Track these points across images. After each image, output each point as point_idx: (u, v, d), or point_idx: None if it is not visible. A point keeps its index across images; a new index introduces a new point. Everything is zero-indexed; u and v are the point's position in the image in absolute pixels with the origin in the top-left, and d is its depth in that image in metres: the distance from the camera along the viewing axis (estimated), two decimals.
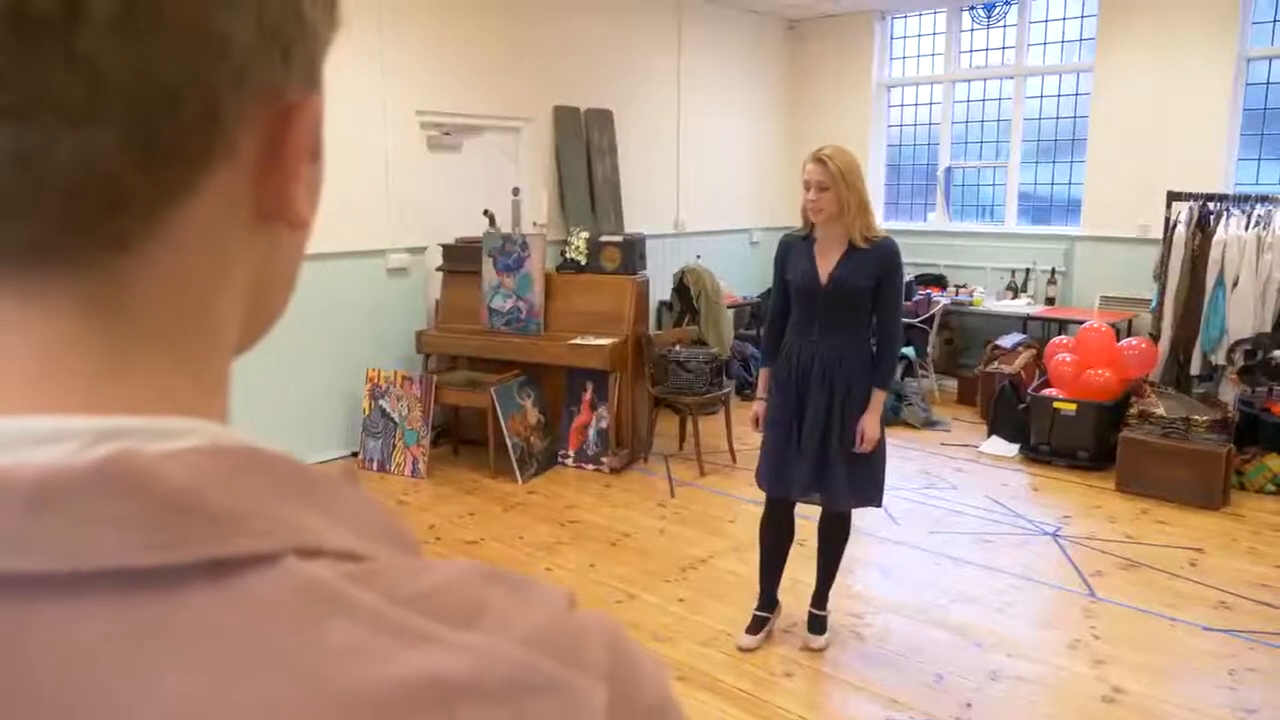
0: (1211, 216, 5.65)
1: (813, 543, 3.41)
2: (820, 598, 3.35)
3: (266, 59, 0.34)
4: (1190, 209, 5.70)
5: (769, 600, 3.38)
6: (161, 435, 0.33)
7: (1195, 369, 5.68)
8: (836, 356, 3.09)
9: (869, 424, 3.08)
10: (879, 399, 3.10)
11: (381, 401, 5.25)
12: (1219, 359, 5.57)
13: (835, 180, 2.99)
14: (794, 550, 3.41)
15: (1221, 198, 5.71)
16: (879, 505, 3.28)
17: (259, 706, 0.30)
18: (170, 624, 0.31)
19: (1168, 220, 5.81)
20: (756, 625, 3.34)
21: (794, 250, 3.18)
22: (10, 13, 0.28)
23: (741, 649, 3.28)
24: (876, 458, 3.16)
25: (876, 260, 3.04)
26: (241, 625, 0.31)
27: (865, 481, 3.17)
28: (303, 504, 0.35)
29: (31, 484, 0.30)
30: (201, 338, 0.37)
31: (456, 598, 0.35)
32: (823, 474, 3.14)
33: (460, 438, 5.58)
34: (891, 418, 6.19)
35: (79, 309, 0.34)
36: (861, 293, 3.05)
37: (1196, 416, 4.93)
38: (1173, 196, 5.85)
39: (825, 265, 3.09)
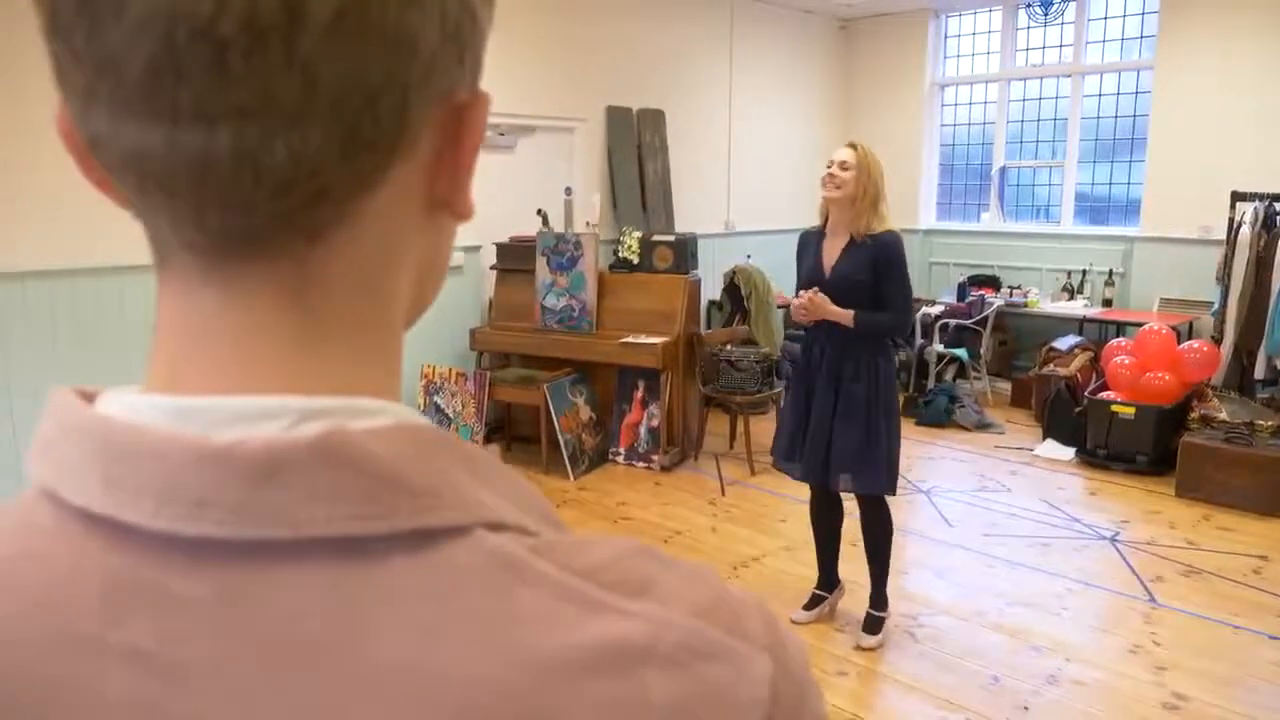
0: (1278, 217, 5.51)
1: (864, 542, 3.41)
2: (876, 597, 3.35)
3: (446, 59, 0.37)
4: (1255, 209, 5.57)
5: (827, 580, 3.48)
6: (359, 414, 0.36)
7: (1259, 373, 5.54)
8: (842, 353, 3.15)
9: (829, 309, 3.09)
10: (850, 315, 3.09)
11: (436, 398, 5.34)
12: None
13: (861, 166, 3.08)
14: (848, 551, 3.42)
15: None
16: (891, 493, 3.24)
17: (460, 665, 0.33)
18: (379, 588, 0.34)
19: (1232, 221, 5.69)
20: (813, 602, 3.45)
21: (808, 244, 3.30)
22: (243, 18, 0.31)
23: (794, 621, 3.36)
24: (880, 446, 3.14)
25: (875, 252, 3.10)
26: (442, 591, 0.34)
27: (868, 466, 3.14)
28: (480, 481, 0.38)
29: (259, 458, 0.34)
30: (379, 321, 0.40)
31: (626, 571, 0.37)
32: (828, 464, 3.19)
33: (513, 434, 5.65)
34: (944, 419, 6.14)
35: (276, 295, 0.37)
36: (861, 285, 3.10)
37: (1261, 421, 4.82)
38: (1237, 197, 5.72)
39: (830, 257, 3.18)
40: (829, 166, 3.13)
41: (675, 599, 0.37)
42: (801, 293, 3.18)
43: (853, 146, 3.14)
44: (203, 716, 0.35)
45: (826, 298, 3.13)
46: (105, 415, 0.37)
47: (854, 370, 3.15)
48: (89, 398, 0.39)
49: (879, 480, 3.19)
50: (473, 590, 0.35)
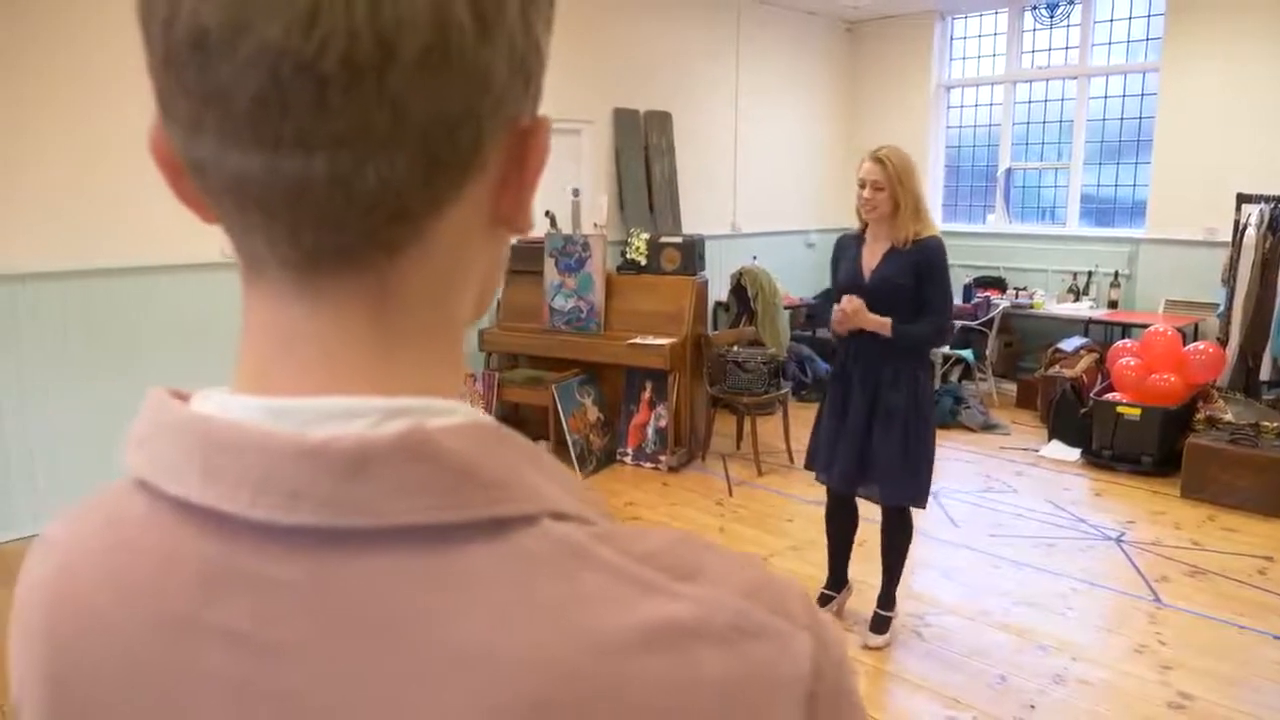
0: None
1: (873, 542, 3.43)
2: (885, 598, 3.37)
3: (514, 90, 0.40)
4: (1261, 211, 5.59)
5: (837, 580, 3.48)
6: (434, 413, 0.39)
7: (1265, 375, 5.56)
8: (878, 358, 3.11)
9: (868, 317, 3.05)
10: (887, 324, 3.04)
11: None
12: None
13: (892, 181, 3.01)
14: (857, 551, 3.44)
15: None
16: (922, 506, 3.23)
17: (531, 647, 0.36)
18: (456, 574, 0.37)
19: (1237, 223, 5.71)
20: (821, 601, 3.44)
21: (846, 249, 3.24)
22: (342, 57, 0.34)
23: None
24: (917, 458, 3.14)
25: (917, 258, 3.04)
26: (514, 575, 0.37)
27: (904, 478, 3.14)
28: (542, 474, 0.41)
29: (350, 454, 0.37)
30: (447, 327, 0.43)
31: (678, 556, 0.40)
32: (864, 469, 3.18)
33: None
34: (950, 420, 6.16)
35: (359, 304, 0.40)
36: (902, 290, 3.04)
37: (1266, 423, 4.85)
38: (1242, 199, 5.74)
39: (870, 263, 3.12)
40: (861, 188, 3.04)
41: (724, 582, 0.40)
42: (842, 300, 3.09)
43: (879, 161, 3.01)
44: (294, 693, 0.38)
45: (864, 305, 3.05)
46: (204, 414, 0.40)
47: (892, 378, 3.09)
48: (182, 398, 0.42)
49: (909, 493, 3.16)
50: (542, 575, 0.38)
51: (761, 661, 0.39)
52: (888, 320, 3.04)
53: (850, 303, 3.06)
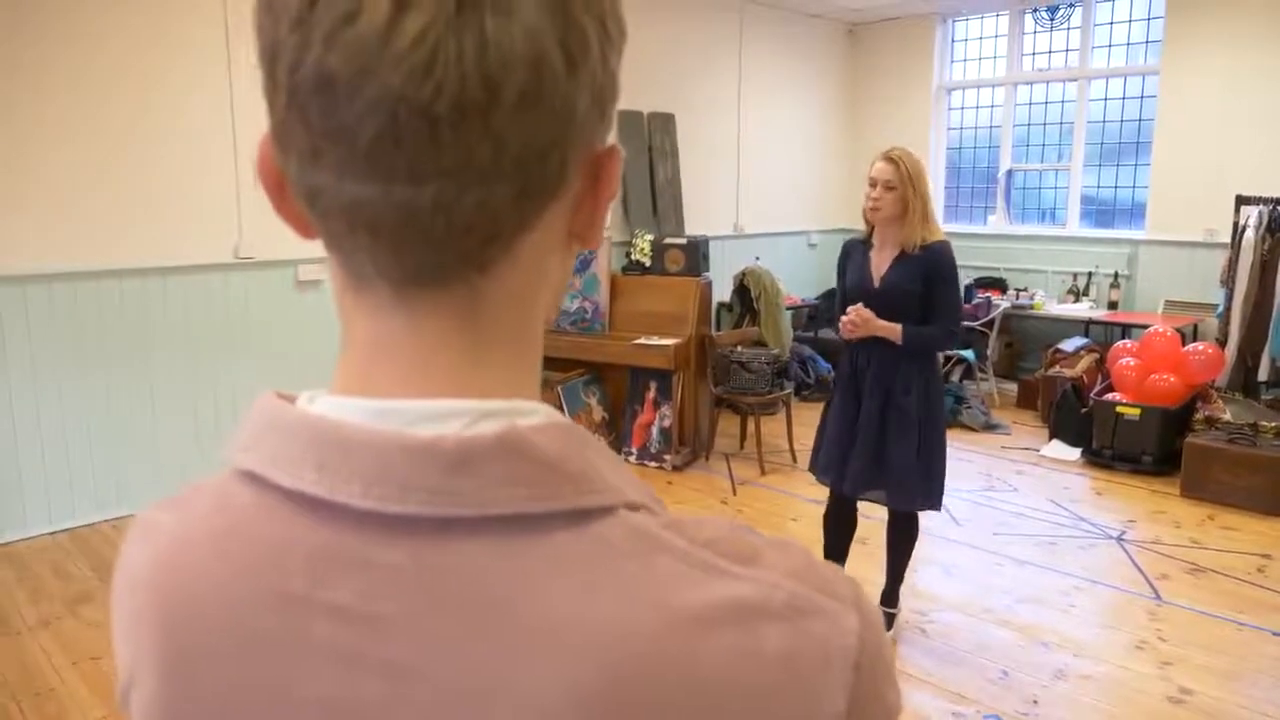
0: None
1: (874, 541, 3.48)
2: (888, 595, 3.41)
3: (593, 120, 0.44)
4: (1260, 213, 5.64)
5: None
6: (522, 414, 0.44)
7: (1263, 375, 5.61)
8: (890, 362, 3.12)
9: (877, 324, 3.06)
10: (897, 330, 3.05)
11: None
12: None
13: (904, 182, 2.99)
14: (858, 549, 3.48)
15: None
16: (937, 508, 3.25)
17: (614, 619, 0.41)
18: (546, 556, 0.42)
19: (1236, 224, 5.75)
20: None
21: (853, 253, 3.23)
22: (454, 100, 0.39)
23: None
24: (933, 462, 3.16)
25: (927, 263, 3.04)
26: (596, 557, 0.42)
27: (919, 483, 3.15)
28: (614, 469, 0.45)
29: (454, 451, 0.41)
30: (528, 336, 0.48)
31: (736, 543, 0.45)
32: (877, 474, 3.18)
33: None
34: (951, 420, 6.20)
35: (451, 317, 0.45)
36: (911, 296, 3.05)
37: (1264, 423, 4.89)
38: (1241, 200, 5.79)
39: (879, 268, 3.12)
40: (871, 187, 3.03)
41: (779, 566, 0.44)
42: (849, 309, 3.10)
43: (891, 161, 2.99)
44: (399, 662, 0.42)
45: (873, 313, 3.05)
46: (316, 414, 0.44)
47: (904, 383, 3.10)
48: (289, 399, 0.47)
49: (921, 497, 3.17)
50: (619, 557, 0.42)
51: (816, 636, 0.43)
52: (897, 326, 3.05)
53: (859, 312, 3.08)
